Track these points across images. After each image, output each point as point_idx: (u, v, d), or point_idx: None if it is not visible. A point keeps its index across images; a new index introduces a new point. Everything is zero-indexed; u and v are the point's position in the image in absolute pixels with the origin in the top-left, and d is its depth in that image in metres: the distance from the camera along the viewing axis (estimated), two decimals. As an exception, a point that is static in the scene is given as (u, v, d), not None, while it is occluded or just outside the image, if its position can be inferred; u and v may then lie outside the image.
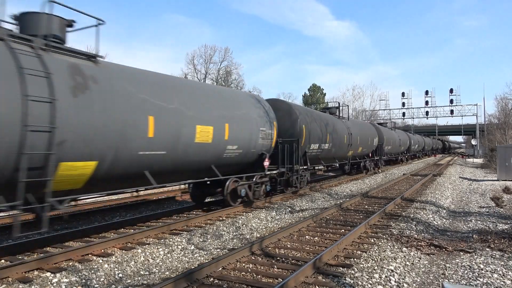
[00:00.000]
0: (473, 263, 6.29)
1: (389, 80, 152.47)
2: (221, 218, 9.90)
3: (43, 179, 5.80)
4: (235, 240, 7.84)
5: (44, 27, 6.27)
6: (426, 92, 66.34)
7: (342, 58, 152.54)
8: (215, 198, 12.64)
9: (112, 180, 7.28)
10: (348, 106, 25.98)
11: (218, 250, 7.14)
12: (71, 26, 6.94)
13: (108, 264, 6.13)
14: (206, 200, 12.31)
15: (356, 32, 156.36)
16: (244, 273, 5.80)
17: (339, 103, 22.03)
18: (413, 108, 68.69)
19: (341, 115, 21.35)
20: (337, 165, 21.24)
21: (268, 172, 12.12)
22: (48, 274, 5.67)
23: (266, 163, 11.76)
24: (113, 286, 5.33)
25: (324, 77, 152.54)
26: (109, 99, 6.74)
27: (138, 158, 7.40)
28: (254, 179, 11.54)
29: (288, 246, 7.38)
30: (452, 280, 5.62)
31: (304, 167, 14.59)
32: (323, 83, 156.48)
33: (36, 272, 5.79)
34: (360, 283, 5.34)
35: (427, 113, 66.98)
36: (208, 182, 10.65)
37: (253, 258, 6.55)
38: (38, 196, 5.92)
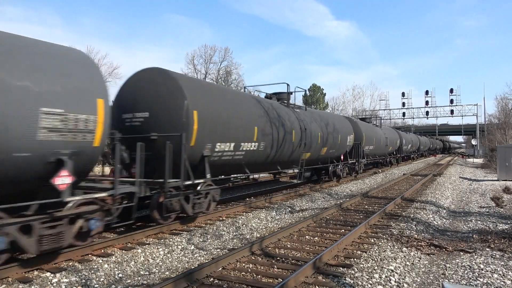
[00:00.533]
0: (473, 263, 6.29)
1: (389, 80, 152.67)
2: (221, 218, 9.89)
3: None
4: (235, 240, 7.84)
5: None
6: (426, 92, 66.39)
7: (342, 58, 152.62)
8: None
9: None
10: (306, 90, 19.04)
11: (218, 250, 7.14)
12: None
13: (108, 264, 6.13)
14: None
15: (356, 32, 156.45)
16: (244, 273, 5.80)
17: (287, 85, 15.12)
18: (413, 108, 68.76)
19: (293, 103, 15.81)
20: (287, 172, 15.92)
21: (71, 199, 5.98)
22: (48, 274, 5.66)
23: (64, 180, 5.75)
24: (113, 286, 5.33)
25: (324, 77, 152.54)
26: None
27: None
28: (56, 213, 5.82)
29: (288, 246, 7.37)
30: (452, 280, 5.62)
31: (201, 180, 9.16)
32: (323, 83, 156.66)
33: (36, 272, 5.78)
34: (360, 283, 5.34)
35: (427, 113, 67.01)
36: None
37: (253, 258, 6.55)
38: None
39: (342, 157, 19.68)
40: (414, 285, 5.47)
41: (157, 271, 6.00)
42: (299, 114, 15.04)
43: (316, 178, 18.71)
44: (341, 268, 5.96)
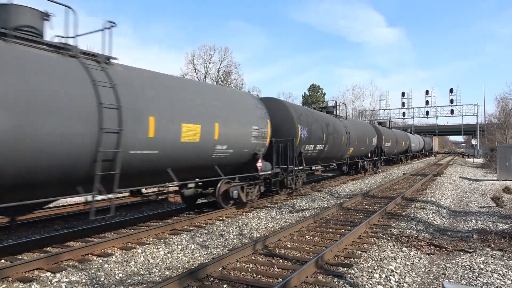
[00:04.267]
0: (473, 263, 6.28)
1: (389, 81, 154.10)
2: (221, 218, 9.90)
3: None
4: (235, 240, 7.84)
5: None
6: (426, 92, 66.38)
7: (378, 62, 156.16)
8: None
9: None
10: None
11: (218, 250, 7.14)
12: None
13: (108, 264, 6.13)
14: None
15: (402, 38, 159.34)
16: (244, 273, 5.80)
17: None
18: (413, 108, 68.71)
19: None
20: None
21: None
22: (48, 274, 5.67)
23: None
24: (113, 286, 5.33)
25: (352, 79, 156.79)
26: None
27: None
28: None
29: (288, 246, 7.37)
30: (452, 280, 5.62)
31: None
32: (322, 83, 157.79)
33: (36, 272, 5.79)
34: (360, 282, 5.34)
35: (427, 113, 66.97)
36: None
37: (253, 258, 6.55)
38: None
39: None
40: (414, 285, 5.47)
41: (157, 271, 6.00)
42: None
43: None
44: (341, 268, 5.96)
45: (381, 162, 27.15)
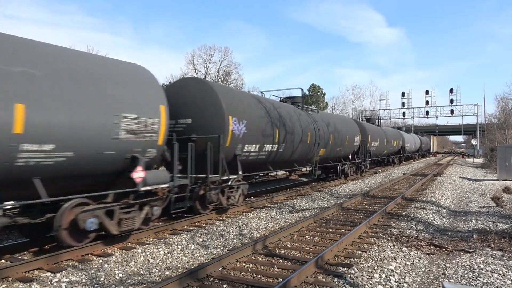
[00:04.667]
0: (473, 263, 6.29)
1: (389, 81, 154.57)
2: (221, 218, 9.90)
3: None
4: (235, 240, 7.85)
5: None
6: (426, 92, 66.44)
7: (378, 62, 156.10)
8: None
9: None
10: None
11: (218, 250, 7.15)
12: None
13: (108, 264, 6.13)
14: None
15: (402, 38, 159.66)
16: (244, 272, 5.80)
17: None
18: (413, 108, 68.75)
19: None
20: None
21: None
22: (48, 274, 5.67)
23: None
24: (113, 286, 5.33)
25: (352, 79, 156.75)
26: None
27: None
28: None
29: (288, 246, 7.37)
30: (452, 280, 5.62)
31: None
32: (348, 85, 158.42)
33: (36, 272, 5.79)
34: (360, 282, 5.34)
35: (427, 113, 67.04)
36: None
37: (253, 258, 6.55)
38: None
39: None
40: (414, 285, 5.47)
41: (157, 271, 6.00)
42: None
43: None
44: (341, 268, 5.96)
45: (367, 165, 23.20)
